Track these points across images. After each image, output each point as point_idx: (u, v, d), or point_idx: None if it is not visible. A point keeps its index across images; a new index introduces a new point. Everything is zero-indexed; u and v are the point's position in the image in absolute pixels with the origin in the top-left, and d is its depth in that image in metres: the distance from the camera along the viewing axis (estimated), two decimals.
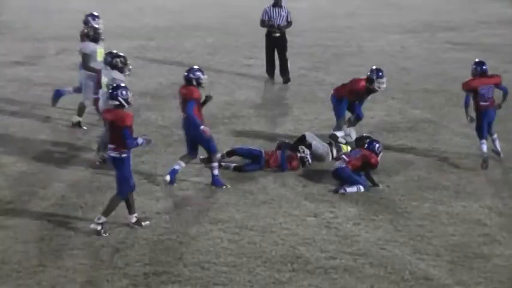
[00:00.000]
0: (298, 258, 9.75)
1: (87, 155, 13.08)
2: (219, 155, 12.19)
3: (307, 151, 12.75)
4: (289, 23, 17.73)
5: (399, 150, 13.59)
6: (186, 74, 11.89)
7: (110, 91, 10.44)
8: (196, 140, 11.82)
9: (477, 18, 26.16)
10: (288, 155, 12.58)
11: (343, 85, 13.83)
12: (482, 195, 11.78)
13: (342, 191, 11.72)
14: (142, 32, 22.74)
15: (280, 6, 17.68)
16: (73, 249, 9.86)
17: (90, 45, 14.04)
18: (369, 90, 13.62)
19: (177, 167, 11.93)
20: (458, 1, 29.84)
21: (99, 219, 10.26)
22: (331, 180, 12.17)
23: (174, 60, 19.74)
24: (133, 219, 10.47)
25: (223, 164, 12.46)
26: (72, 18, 25.14)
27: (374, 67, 13.71)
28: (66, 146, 13.49)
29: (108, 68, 12.40)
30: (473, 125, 13.22)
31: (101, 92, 12.38)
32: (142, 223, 10.49)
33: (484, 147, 12.94)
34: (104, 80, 12.37)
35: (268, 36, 17.74)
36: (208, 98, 11.96)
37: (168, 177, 11.86)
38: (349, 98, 13.64)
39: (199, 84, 11.80)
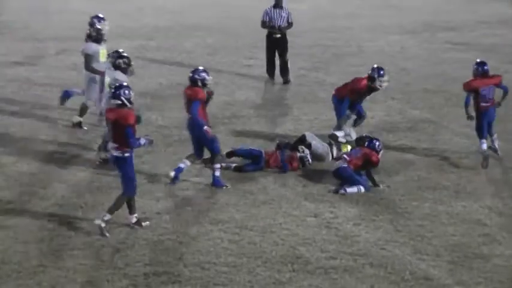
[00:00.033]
0: (298, 258, 9.75)
1: (87, 155, 13.09)
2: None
3: (306, 151, 12.76)
4: (290, 24, 17.72)
5: (399, 150, 13.59)
6: (191, 75, 11.90)
7: (113, 90, 10.46)
8: (200, 140, 11.84)
9: (477, 19, 26.17)
10: (288, 156, 12.58)
11: (345, 85, 13.82)
12: (482, 195, 11.78)
13: (342, 191, 11.72)
14: (142, 32, 22.75)
15: (281, 7, 17.67)
16: (73, 249, 9.86)
17: (92, 46, 14.04)
18: (371, 88, 13.60)
19: (182, 165, 11.97)
20: (458, 1, 29.84)
21: (104, 216, 10.27)
22: (331, 181, 12.17)
23: (174, 60, 19.74)
24: (134, 220, 10.47)
25: (223, 164, 12.45)
26: (72, 18, 25.21)
27: (375, 65, 13.70)
28: (66, 146, 13.50)
29: (112, 68, 12.41)
30: (473, 125, 13.23)
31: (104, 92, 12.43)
32: (143, 223, 10.49)
33: (484, 146, 12.96)
34: (107, 79, 12.39)
35: (269, 37, 17.73)
36: (210, 94, 11.97)
37: (172, 173, 11.90)
38: (351, 98, 13.62)
39: (204, 85, 11.82)
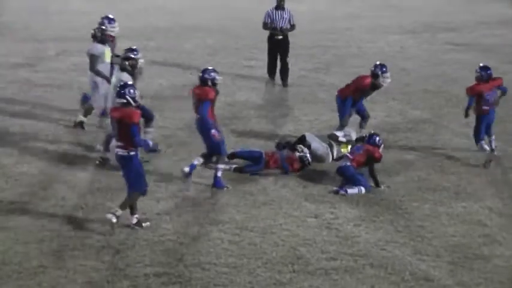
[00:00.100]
0: (298, 259, 9.76)
1: (87, 156, 13.09)
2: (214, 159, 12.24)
3: (306, 150, 12.75)
4: (292, 26, 17.66)
5: (399, 151, 13.60)
6: (201, 74, 11.92)
7: (118, 89, 10.49)
8: (206, 141, 11.86)
9: (477, 19, 26.20)
10: (288, 156, 12.57)
11: (347, 86, 13.81)
12: (482, 195, 11.79)
13: (342, 191, 11.72)
14: (142, 33, 22.76)
15: (283, 9, 17.64)
16: (74, 250, 9.87)
17: (98, 47, 14.03)
18: (374, 86, 13.58)
19: (195, 162, 12.01)
20: (458, 2, 29.88)
21: (116, 211, 10.28)
22: (331, 181, 12.18)
23: (174, 61, 19.76)
24: (134, 220, 10.47)
25: (224, 165, 12.45)
26: (72, 19, 25.25)
27: (378, 62, 13.69)
28: (66, 147, 13.50)
29: (118, 69, 12.45)
30: (473, 125, 13.25)
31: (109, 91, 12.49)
32: (143, 224, 10.49)
33: (486, 146, 13.00)
34: (113, 80, 12.40)
35: (271, 39, 17.70)
36: (216, 93, 12.02)
37: (187, 169, 11.94)
38: (354, 96, 13.60)
39: (214, 84, 11.86)
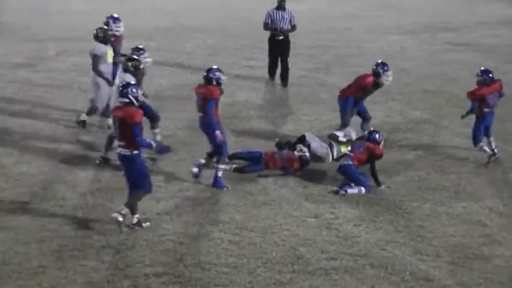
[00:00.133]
0: (298, 259, 9.76)
1: (87, 156, 13.09)
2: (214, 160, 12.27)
3: (304, 149, 12.75)
4: (293, 27, 17.61)
5: (400, 151, 13.60)
6: (205, 74, 11.93)
7: (120, 89, 10.50)
8: (210, 140, 11.88)
9: (476, 19, 26.20)
10: (287, 157, 12.56)
11: (349, 86, 13.79)
12: (482, 195, 11.79)
13: (342, 191, 11.73)
14: (142, 33, 22.74)
15: (284, 9, 17.60)
16: (73, 250, 9.87)
17: (101, 47, 14.03)
18: (376, 84, 13.57)
19: (203, 161, 12.07)
20: (457, 2, 29.88)
21: (122, 209, 10.28)
22: (331, 181, 12.18)
23: (174, 61, 19.75)
24: (134, 220, 10.47)
25: (225, 166, 12.46)
26: (72, 19, 25.24)
27: (379, 61, 13.68)
28: (67, 147, 13.50)
29: (121, 70, 12.47)
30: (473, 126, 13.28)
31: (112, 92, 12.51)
32: (143, 224, 10.49)
33: (485, 148, 13.02)
34: (116, 81, 12.41)
35: (271, 39, 17.67)
36: (221, 92, 12.06)
37: (196, 169, 11.98)
38: (356, 96, 13.59)
39: (219, 84, 11.87)
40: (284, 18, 17.55)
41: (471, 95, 13.10)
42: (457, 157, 13.36)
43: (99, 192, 11.64)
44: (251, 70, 19.01)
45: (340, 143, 13.23)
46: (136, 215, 10.48)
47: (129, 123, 10.22)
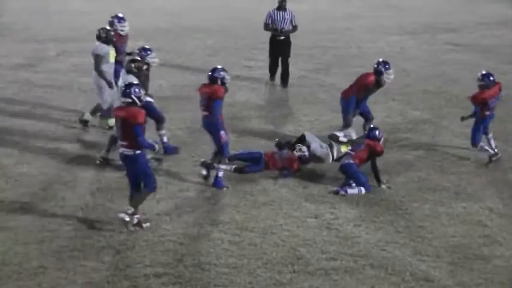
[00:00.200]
0: (298, 259, 9.76)
1: (87, 156, 13.09)
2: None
3: (304, 148, 12.75)
4: (294, 27, 17.57)
5: (400, 151, 13.60)
6: (210, 73, 11.97)
7: (123, 89, 10.50)
8: (213, 138, 11.89)
9: (477, 20, 26.21)
10: (287, 157, 12.56)
11: (351, 86, 13.78)
12: (482, 196, 11.79)
13: (342, 192, 11.73)
14: (142, 33, 22.73)
15: (285, 10, 17.57)
16: (73, 250, 9.87)
17: (103, 47, 14.04)
18: (378, 83, 13.56)
19: (209, 161, 12.09)
20: (458, 3, 29.88)
21: (128, 209, 10.29)
22: (331, 181, 12.18)
23: (174, 62, 19.74)
24: (135, 221, 10.47)
25: (225, 166, 12.45)
26: (72, 19, 25.25)
27: (380, 59, 13.68)
28: (67, 148, 13.50)
29: (124, 72, 12.50)
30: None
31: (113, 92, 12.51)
32: (143, 225, 10.49)
33: (486, 147, 13.03)
34: (120, 83, 12.41)
35: (272, 39, 17.64)
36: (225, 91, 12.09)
37: (204, 172, 11.99)
38: (358, 96, 13.58)
39: (223, 83, 11.90)
40: (285, 18, 17.53)
41: (474, 99, 13.08)
42: (457, 157, 13.36)
43: (99, 192, 11.64)
44: (251, 70, 19.01)
45: (341, 143, 13.22)
46: (137, 216, 10.47)
47: (131, 123, 10.21)
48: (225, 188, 11.85)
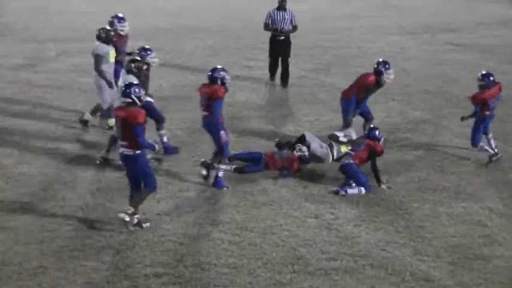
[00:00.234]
0: (298, 259, 9.76)
1: (87, 156, 13.09)
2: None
3: (303, 148, 12.76)
4: (294, 27, 17.55)
5: (400, 151, 13.60)
6: (210, 73, 11.98)
7: (123, 89, 10.50)
8: (213, 138, 11.89)
9: (477, 20, 26.20)
10: (287, 157, 12.56)
11: (351, 86, 13.79)
12: (482, 196, 11.79)
13: (342, 192, 11.72)
14: (142, 33, 22.74)
15: (285, 10, 17.55)
16: (73, 250, 9.87)
17: (103, 47, 14.04)
18: (378, 83, 13.56)
19: (209, 161, 12.10)
20: (458, 3, 29.88)
21: (128, 209, 10.29)
22: (331, 181, 12.18)
23: (174, 62, 19.74)
24: (135, 221, 10.47)
25: (225, 166, 12.45)
26: (72, 19, 25.25)
27: (380, 59, 13.68)
28: (66, 148, 13.50)
29: (124, 72, 12.50)
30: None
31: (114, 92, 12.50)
32: (143, 225, 10.49)
33: (486, 147, 13.04)
34: (120, 83, 12.42)
35: (273, 40, 17.62)
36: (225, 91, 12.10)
37: (204, 172, 12.01)
38: (358, 95, 13.57)
39: (223, 83, 11.91)
40: (285, 18, 17.51)
41: (474, 99, 13.08)
42: (457, 157, 13.36)
43: (99, 192, 11.64)
44: (251, 70, 19.01)
45: (341, 143, 13.22)
46: (137, 216, 10.47)
47: (131, 123, 10.21)
48: (225, 188, 11.85)
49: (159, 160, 12.60)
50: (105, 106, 14.08)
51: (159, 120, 13.04)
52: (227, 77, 12.01)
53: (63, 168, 12.61)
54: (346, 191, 11.72)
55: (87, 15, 25.62)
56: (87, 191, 11.69)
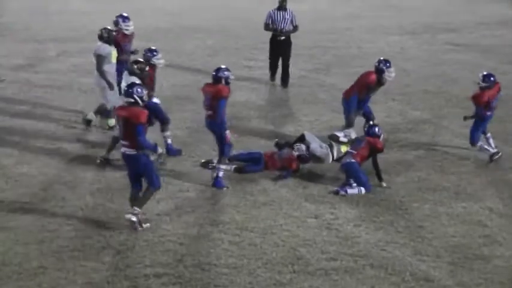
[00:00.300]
0: (298, 259, 9.76)
1: (87, 156, 13.08)
2: (215, 160, 12.26)
3: (302, 147, 12.75)
4: (295, 27, 17.50)
5: (400, 151, 13.60)
6: (214, 73, 11.97)
7: (125, 89, 10.50)
8: (217, 138, 11.89)
9: (477, 20, 26.19)
10: (286, 157, 12.56)
11: (352, 86, 13.78)
12: (482, 196, 11.79)
13: (342, 192, 11.72)
14: (142, 34, 22.71)
15: (285, 10, 17.51)
16: (74, 251, 9.87)
17: (105, 47, 14.02)
18: (379, 82, 13.56)
19: (215, 161, 12.08)
20: (458, 3, 29.87)
21: (134, 210, 10.29)
22: (331, 181, 12.18)
23: (174, 62, 19.72)
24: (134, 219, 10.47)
25: (225, 166, 12.45)
26: (72, 19, 25.24)
27: (381, 58, 13.69)
28: (66, 148, 13.49)
29: (127, 73, 12.50)
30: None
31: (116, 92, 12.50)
32: (143, 225, 10.49)
33: (485, 146, 13.04)
34: (123, 85, 12.42)
35: (273, 40, 17.60)
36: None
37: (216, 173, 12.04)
38: (360, 94, 13.56)
39: (227, 83, 11.92)
40: (285, 18, 17.48)
41: (477, 101, 13.05)
42: (457, 157, 13.36)
43: (99, 192, 11.64)
44: (251, 70, 19.00)
45: (341, 143, 13.22)
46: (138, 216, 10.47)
47: (133, 122, 10.21)
48: (225, 188, 11.85)
49: (162, 162, 12.49)
50: (109, 106, 14.06)
51: (165, 122, 13.06)
52: (231, 76, 12.02)
53: (63, 168, 12.61)
54: (346, 191, 11.72)
55: (87, 15, 25.61)
56: (87, 191, 11.69)
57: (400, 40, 22.87)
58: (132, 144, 10.27)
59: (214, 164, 12.27)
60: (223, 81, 11.92)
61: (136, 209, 10.33)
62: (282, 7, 17.53)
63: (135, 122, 10.20)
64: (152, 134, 12.15)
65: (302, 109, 16.06)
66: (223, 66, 12.10)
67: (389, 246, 10.15)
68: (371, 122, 12.87)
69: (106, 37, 14.09)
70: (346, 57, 20.53)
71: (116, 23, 14.81)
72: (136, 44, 15.55)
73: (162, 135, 13.06)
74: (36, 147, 13.50)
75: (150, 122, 12.81)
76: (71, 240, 10.15)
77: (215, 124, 11.89)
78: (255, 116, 15.62)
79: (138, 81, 12.02)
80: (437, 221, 10.93)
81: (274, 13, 17.55)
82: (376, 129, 12.33)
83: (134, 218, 10.30)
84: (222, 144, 11.96)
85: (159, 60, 13.19)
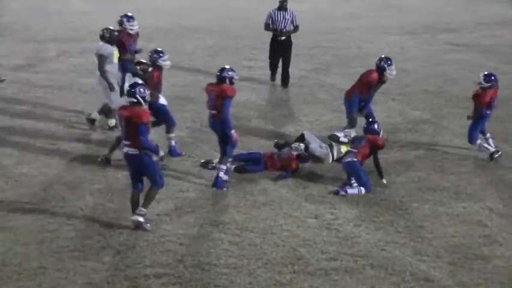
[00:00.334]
0: (298, 259, 9.76)
1: (88, 156, 13.08)
2: (215, 160, 12.26)
3: (301, 146, 12.75)
4: (295, 28, 17.47)
5: (400, 151, 13.60)
6: (219, 73, 11.94)
7: (128, 88, 10.51)
8: (221, 138, 11.89)
9: (477, 20, 26.21)
10: (286, 157, 12.56)
11: (353, 86, 13.78)
12: (482, 196, 11.79)
13: (342, 192, 11.72)
14: (142, 34, 22.66)
15: (285, 10, 17.49)
16: (74, 251, 9.87)
17: (107, 47, 14.01)
18: (380, 80, 13.56)
19: (215, 161, 12.08)
20: (458, 3, 29.88)
21: (140, 211, 10.30)
22: (331, 182, 12.18)
23: (174, 62, 19.61)
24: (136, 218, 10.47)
25: (225, 166, 12.46)
26: (72, 19, 25.25)
27: (382, 55, 13.70)
28: (66, 148, 13.49)
29: (130, 75, 12.51)
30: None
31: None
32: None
33: (485, 145, 13.06)
34: (126, 86, 12.41)
35: (274, 40, 17.57)
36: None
37: (226, 177, 11.99)
38: (361, 94, 13.55)
39: (231, 83, 11.91)
40: (286, 18, 17.45)
41: (478, 101, 13.05)
42: (457, 157, 13.36)
43: (99, 192, 11.64)
44: (251, 70, 19.00)
45: (341, 143, 13.23)
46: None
47: (135, 122, 10.21)
48: (225, 188, 11.84)
49: (165, 165, 12.47)
50: (113, 106, 14.05)
51: (171, 124, 13.06)
52: (235, 76, 12.02)
53: (63, 168, 12.61)
54: (346, 191, 11.72)
55: (87, 15, 25.61)
56: (87, 191, 11.69)
57: (400, 40, 22.88)
58: (134, 144, 10.28)
59: (214, 164, 12.30)
60: (227, 81, 11.91)
61: (143, 210, 10.35)
62: (282, 7, 17.51)
63: (137, 122, 10.21)
64: (155, 135, 12.17)
65: (302, 109, 16.06)
66: (227, 67, 12.10)
67: (389, 246, 10.16)
68: (370, 119, 12.86)
69: (108, 37, 14.08)
70: (346, 57, 20.53)
71: (121, 23, 14.79)
72: (137, 44, 15.54)
73: (166, 136, 13.07)
74: (36, 147, 13.50)
75: (156, 123, 12.84)
76: (71, 240, 10.14)
77: (219, 124, 11.88)
78: (255, 116, 15.62)
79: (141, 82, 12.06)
80: (437, 221, 10.93)
81: (274, 13, 17.54)
82: (375, 125, 12.33)
83: (141, 219, 10.31)
84: (225, 144, 11.95)
85: (165, 62, 13.18)
